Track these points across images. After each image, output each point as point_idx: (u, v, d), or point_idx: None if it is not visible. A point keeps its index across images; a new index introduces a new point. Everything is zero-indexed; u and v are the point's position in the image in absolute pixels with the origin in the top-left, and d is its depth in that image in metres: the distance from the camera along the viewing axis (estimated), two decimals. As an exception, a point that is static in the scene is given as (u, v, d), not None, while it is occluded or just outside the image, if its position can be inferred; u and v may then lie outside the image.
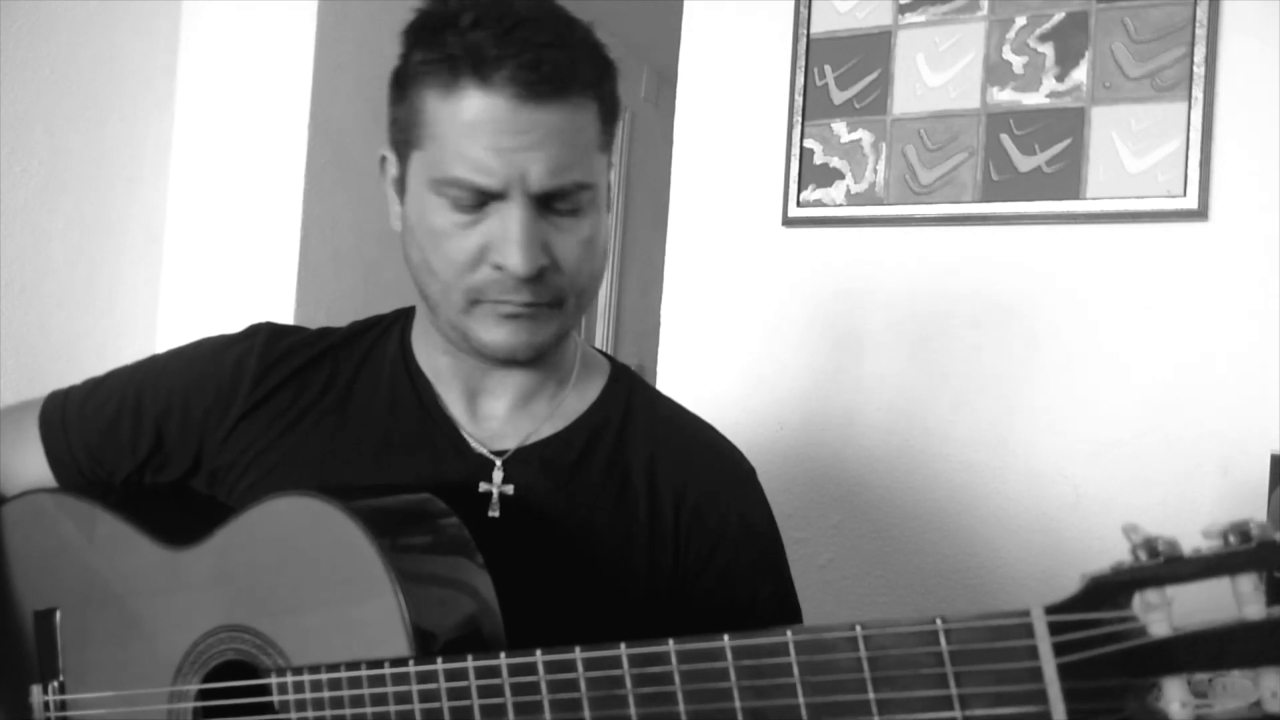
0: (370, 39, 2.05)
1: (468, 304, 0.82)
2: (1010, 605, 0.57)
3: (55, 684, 0.88)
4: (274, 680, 0.75)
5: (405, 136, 0.83)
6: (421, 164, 0.81)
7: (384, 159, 0.88)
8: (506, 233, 0.78)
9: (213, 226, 2.01)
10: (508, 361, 0.85)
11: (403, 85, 0.82)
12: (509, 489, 0.88)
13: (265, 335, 0.94)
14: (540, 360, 0.88)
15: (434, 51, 0.78)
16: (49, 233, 1.81)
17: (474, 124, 0.77)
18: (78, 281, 1.87)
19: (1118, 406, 1.50)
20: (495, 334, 0.83)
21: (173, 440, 0.93)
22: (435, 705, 0.68)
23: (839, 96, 1.68)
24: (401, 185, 0.86)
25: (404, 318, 0.97)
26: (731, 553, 0.91)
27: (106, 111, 1.90)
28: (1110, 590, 0.51)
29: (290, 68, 1.96)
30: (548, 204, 0.80)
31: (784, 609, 0.94)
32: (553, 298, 0.82)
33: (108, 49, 1.89)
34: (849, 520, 1.66)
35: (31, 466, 0.95)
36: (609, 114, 0.84)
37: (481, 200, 0.79)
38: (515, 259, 0.78)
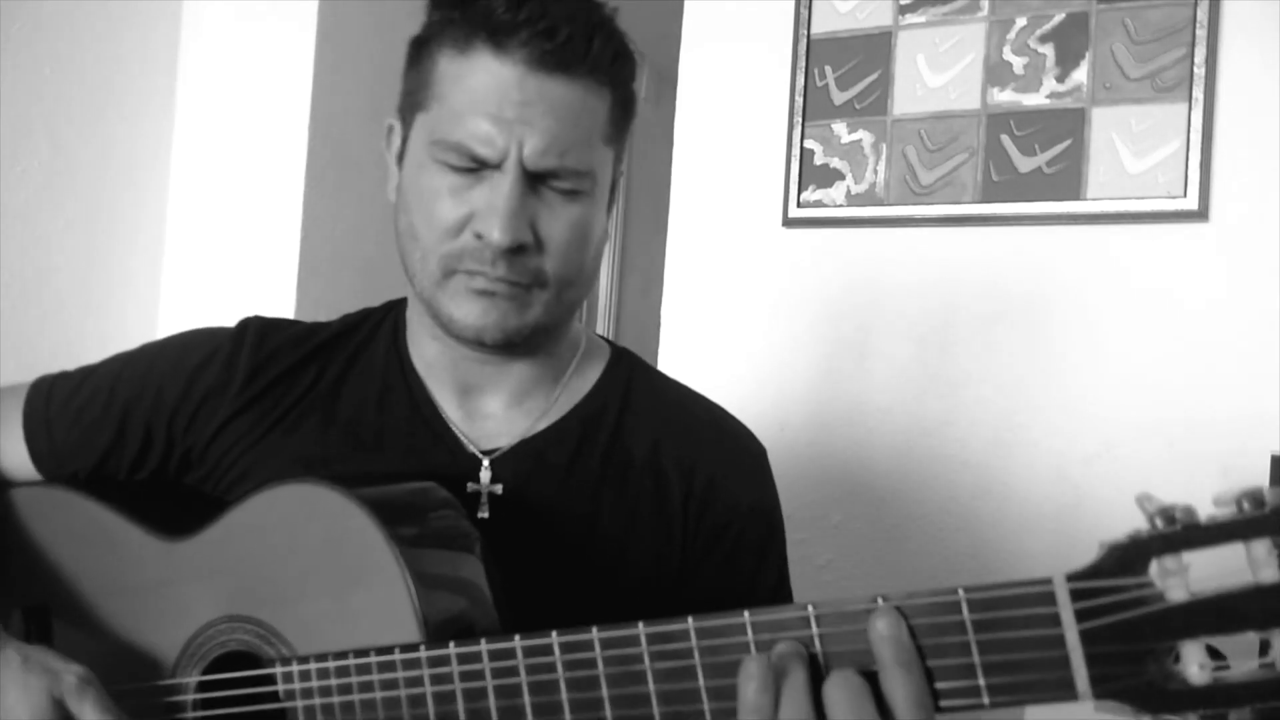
0: (370, 39, 2.05)
1: (443, 274, 0.81)
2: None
3: None
4: (279, 670, 0.74)
5: (413, 100, 0.83)
6: (424, 126, 0.81)
7: (390, 128, 0.88)
8: (492, 202, 0.77)
9: (213, 226, 2.01)
10: (476, 343, 0.82)
11: (418, 48, 0.82)
12: (498, 488, 0.86)
13: (255, 332, 0.92)
14: (523, 348, 0.86)
15: (452, 12, 0.78)
16: (49, 233, 1.81)
17: (480, 89, 0.76)
18: (78, 281, 1.87)
19: (1118, 406, 1.50)
20: (464, 309, 0.80)
21: (160, 439, 0.91)
22: (448, 688, 0.67)
23: (839, 97, 1.68)
24: (402, 151, 0.85)
25: (395, 309, 0.95)
26: (739, 537, 0.89)
27: (106, 111, 1.90)
28: (1128, 557, 0.52)
29: (290, 68, 1.95)
30: (542, 181, 0.79)
31: (782, 593, 0.93)
32: (530, 279, 0.80)
33: (108, 49, 1.89)
34: (849, 520, 1.66)
35: (9, 454, 0.93)
36: (621, 106, 0.83)
37: (476, 167, 0.78)
38: (496, 229, 0.76)
